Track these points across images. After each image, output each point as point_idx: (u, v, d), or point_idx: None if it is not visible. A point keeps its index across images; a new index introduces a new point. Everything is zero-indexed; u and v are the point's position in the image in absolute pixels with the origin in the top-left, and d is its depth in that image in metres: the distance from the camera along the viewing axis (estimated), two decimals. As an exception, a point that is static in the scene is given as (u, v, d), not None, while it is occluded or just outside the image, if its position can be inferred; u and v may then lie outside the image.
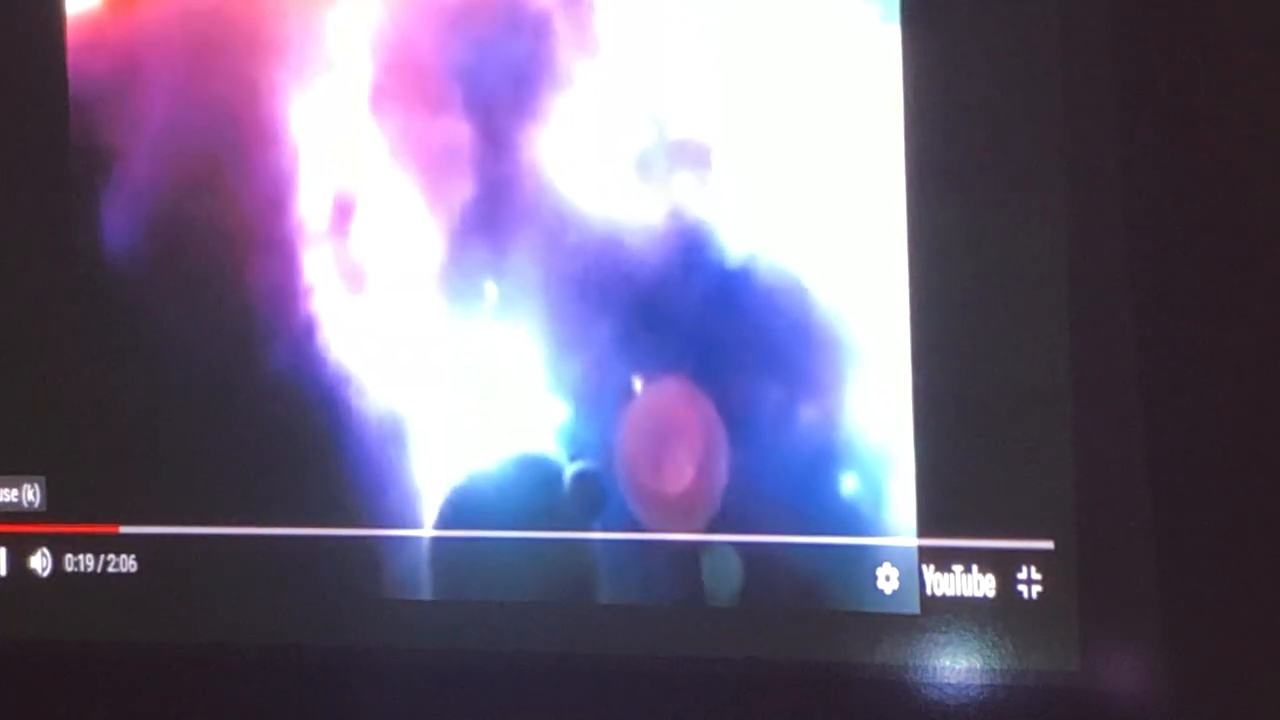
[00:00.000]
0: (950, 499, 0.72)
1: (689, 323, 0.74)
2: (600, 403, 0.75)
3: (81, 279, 0.82)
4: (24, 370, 0.83)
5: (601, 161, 0.75)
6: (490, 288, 0.76)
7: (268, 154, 0.79)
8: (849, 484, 0.73)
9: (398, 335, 0.78)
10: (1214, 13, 0.69)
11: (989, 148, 0.70)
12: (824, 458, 0.73)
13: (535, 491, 0.76)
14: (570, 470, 0.76)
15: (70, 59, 0.82)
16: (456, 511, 0.78)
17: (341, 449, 0.79)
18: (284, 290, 0.79)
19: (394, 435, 0.78)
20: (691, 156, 0.74)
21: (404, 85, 0.77)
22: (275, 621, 0.80)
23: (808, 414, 0.73)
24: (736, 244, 0.74)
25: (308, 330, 0.79)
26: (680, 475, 0.75)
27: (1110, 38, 0.69)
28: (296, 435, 0.80)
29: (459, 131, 0.76)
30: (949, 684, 0.72)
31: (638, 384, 0.75)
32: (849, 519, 0.74)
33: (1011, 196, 0.70)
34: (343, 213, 0.78)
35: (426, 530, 0.78)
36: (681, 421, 0.75)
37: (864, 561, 0.73)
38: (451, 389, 0.77)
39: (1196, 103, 0.69)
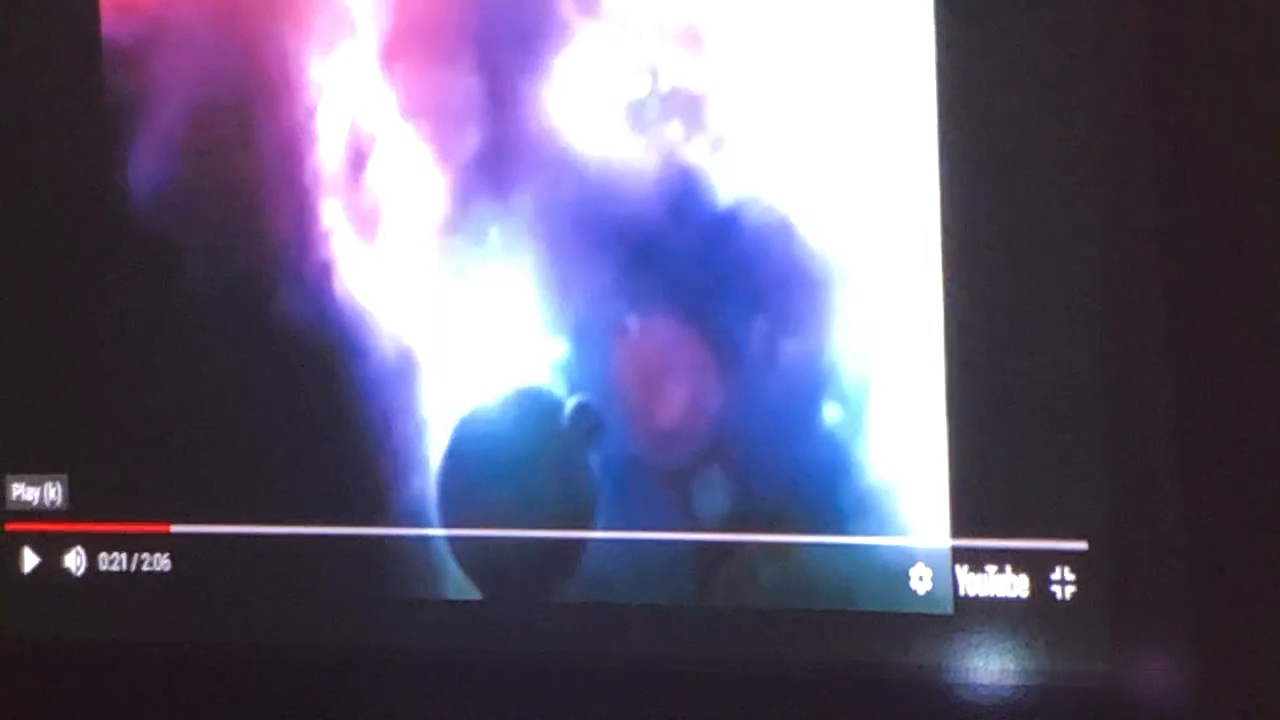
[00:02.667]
0: (984, 499, 0.72)
1: (681, 263, 0.75)
2: (597, 339, 0.76)
3: (109, 231, 0.83)
4: (44, 368, 0.84)
5: (600, 112, 0.76)
6: (494, 232, 0.78)
7: (287, 107, 0.80)
8: (831, 413, 0.74)
9: (407, 278, 0.79)
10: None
11: (1019, 148, 0.71)
12: (807, 388, 0.74)
13: (536, 423, 0.77)
14: (570, 403, 0.77)
15: (103, 16, 0.83)
16: (463, 442, 0.79)
17: (354, 385, 0.80)
18: (302, 236, 0.80)
19: (404, 371, 0.79)
20: (684, 106, 0.75)
21: (416, 42, 0.78)
22: (309, 620, 0.81)
23: (792, 347, 0.74)
24: (727, 188, 0.75)
25: (324, 273, 0.80)
26: (673, 406, 0.76)
27: (1144, 32, 0.70)
28: (312, 377, 0.81)
29: (467, 86, 0.78)
30: (981, 684, 0.72)
31: (633, 321, 0.76)
32: (829, 447, 0.74)
33: (1044, 197, 0.70)
34: (357, 162, 0.79)
35: (438, 528, 0.79)
36: (674, 356, 0.76)
37: (897, 562, 0.73)
38: (458, 328, 0.78)
39: (1232, 99, 0.69)
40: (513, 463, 0.78)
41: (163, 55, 0.82)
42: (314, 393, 0.81)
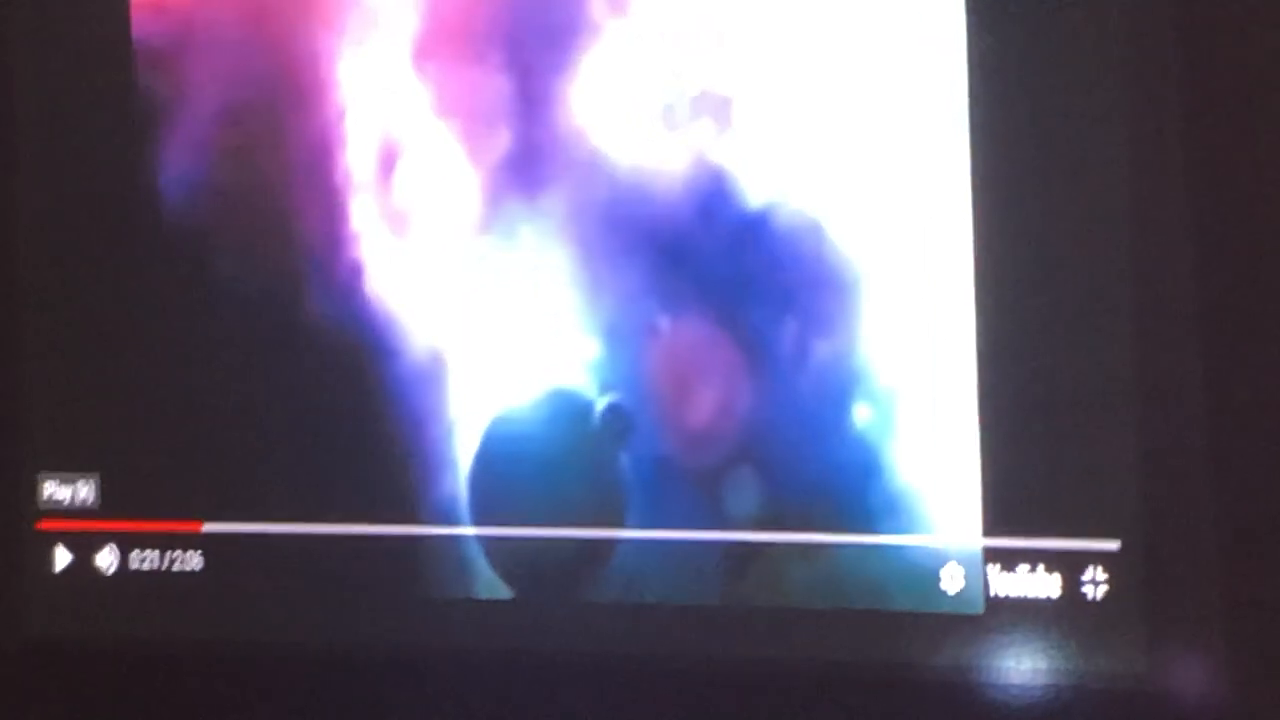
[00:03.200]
0: (1015, 499, 0.72)
1: (712, 264, 0.75)
2: (628, 339, 0.77)
3: (141, 232, 0.83)
4: (76, 367, 0.84)
5: (630, 113, 0.76)
6: (525, 232, 0.78)
7: (318, 107, 0.80)
8: (861, 414, 0.74)
9: (438, 278, 0.79)
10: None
11: (1050, 148, 0.71)
12: (838, 389, 0.74)
13: (567, 423, 0.77)
14: (600, 403, 0.77)
15: (134, 16, 0.83)
16: (494, 442, 0.79)
17: (385, 386, 0.80)
18: (333, 236, 0.80)
19: (434, 371, 0.79)
20: (714, 107, 0.75)
21: (447, 41, 0.78)
22: (340, 619, 0.81)
23: (822, 348, 0.74)
24: (757, 189, 0.75)
25: (355, 274, 0.80)
26: (704, 407, 0.76)
27: (1176, 38, 0.69)
28: (343, 377, 0.81)
29: (498, 85, 0.78)
30: (1013, 685, 0.72)
31: (664, 322, 0.76)
32: (859, 447, 0.74)
33: (1075, 196, 0.70)
34: (387, 163, 0.80)
35: (468, 527, 0.79)
36: (704, 357, 0.76)
37: (929, 562, 0.73)
38: (488, 328, 0.79)
39: (1266, 95, 0.69)
40: (543, 463, 0.78)
41: (194, 56, 0.82)
42: (345, 393, 0.81)
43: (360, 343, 0.81)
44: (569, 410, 0.78)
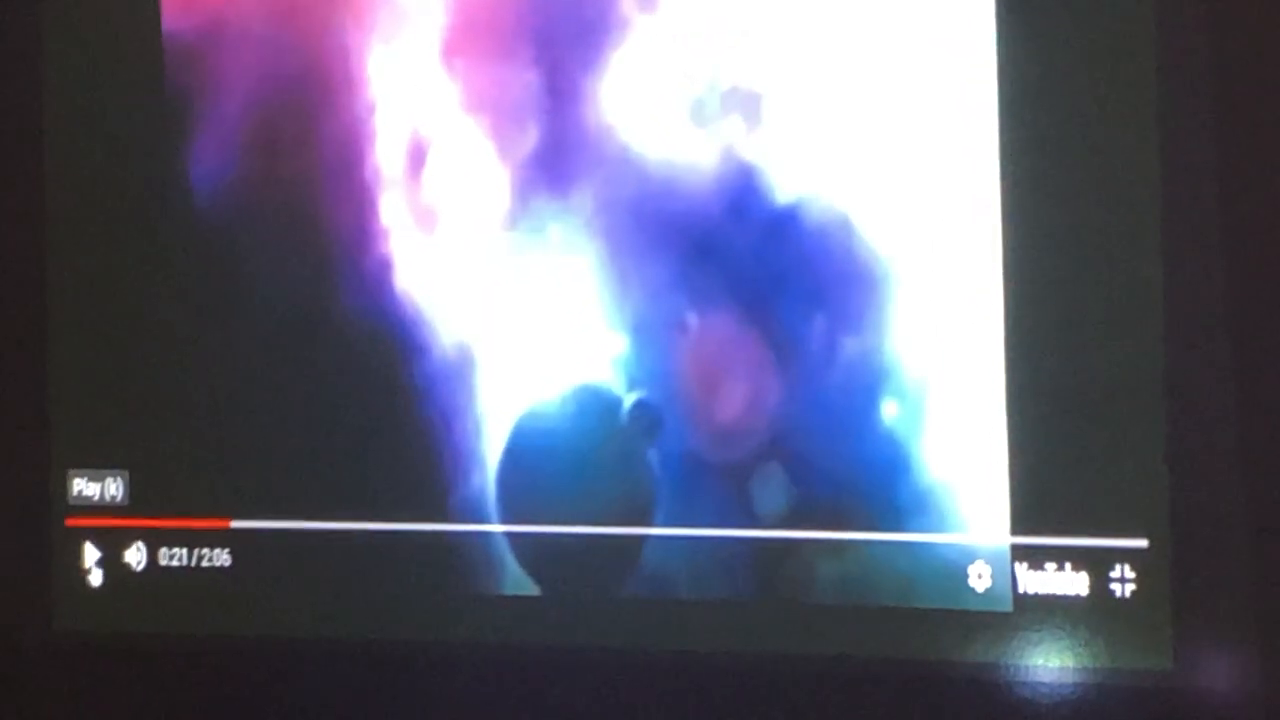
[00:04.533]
0: (1044, 497, 0.72)
1: (741, 260, 0.75)
2: (657, 336, 0.77)
3: (171, 230, 0.84)
4: (106, 363, 0.84)
5: (659, 109, 0.76)
6: (553, 228, 0.78)
7: (347, 103, 0.81)
8: (889, 410, 0.74)
9: (467, 274, 0.79)
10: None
11: (1080, 144, 0.71)
12: (866, 385, 0.74)
13: (596, 419, 0.78)
14: (629, 399, 0.77)
15: (164, 12, 0.83)
16: (522, 439, 0.79)
17: (414, 382, 0.80)
18: (362, 232, 0.81)
19: (463, 368, 0.80)
20: (743, 103, 0.75)
21: (475, 38, 0.79)
22: (369, 616, 0.81)
23: (851, 345, 0.74)
24: (786, 185, 0.75)
25: (384, 270, 0.80)
26: (732, 403, 0.76)
27: (1207, 33, 0.69)
28: (371, 373, 0.81)
29: (527, 81, 0.78)
30: (1041, 683, 0.72)
31: (692, 318, 0.76)
32: (888, 444, 0.74)
33: (1106, 193, 0.70)
34: (416, 159, 0.80)
35: (505, 524, 0.80)
36: (733, 353, 0.76)
37: (957, 559, 0.73)
38: (517, 324, 0.79)
39: None
40: (572, 459, 0.78)
41: (224, 51, 0.83)
42: (374, 389, 0.81)
43: (389, 339, 0.81)
44: (597, 406, 0.78)
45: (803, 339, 0.75)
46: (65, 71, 0.85)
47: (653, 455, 0.77)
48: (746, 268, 0.76)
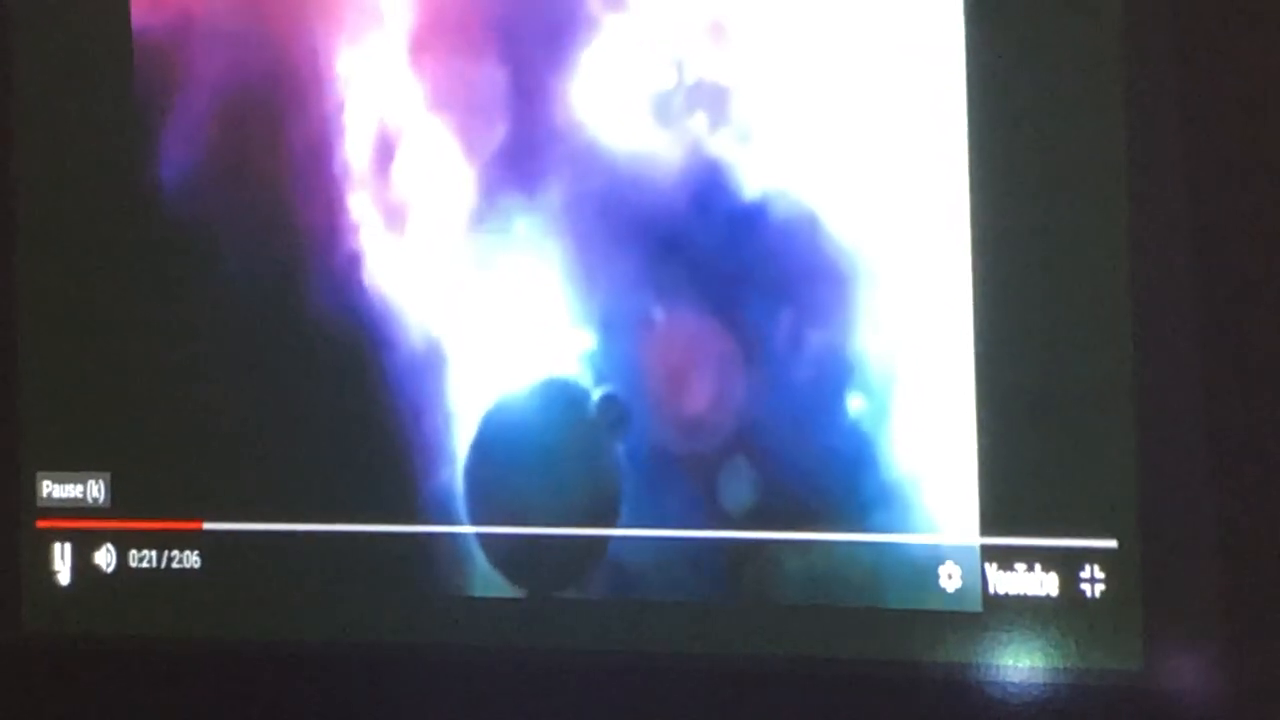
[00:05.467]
0: (1013, 497, 0.72)
1: (707, 255, 0.76)
2: (623, 331, 0.77)
3: (141, 225, 0.84)
4: (78, 364, 0.84)
5: (625, 106, 0.76)
6: (520, 225, 0.78)
7: (315, 100, 0.81)
8: (855, 404, 0.74)
9: (435, 271, 0.79)
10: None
11: (1049, 141, 0.71)
12: (832, 380, 0.74)
13: (563, 414, 0.78)
14: (596, 394, 0.78)
15: (133, 7, 0.83)
16: (490, 433, 0.79)
17: (383, 377, 0.80)
18: (331, 230, 0.81)
19: (432, 363, 0.80)
20: (709, 99, 0.75)
21: (443, 35, 0.79)
22: (340, 618, 0.81)
23: (817, 339, 0.74)
24: (753, 180, 0.75)
25: (353, 266, 0.81)
26: (698, 397, 0.76)
27: (1174, 35, 0.69)
28: (341, 367, 0.81)
29: (494, 79, 0.78)
30: (1011, 683, 0.72)
31: (658, 313, 0.77)
32: (853, 437, 0.74)
33: (1074, 192, 0.70)
34: (384, 156, 0.80)
35: (466, 524, 0.79)
36: (699, 348, 0.76)
37: (926, 559, 0.73)
38: (485, 320, 0.79)
39: (1261, 100, 0.69)
40: (540, 453, 0.79)
41: (193, 48, 0.83)
42: (343, 385, 0.81)
43: (358, 335, 0.81)
44: (565, 401, 0.78)
45: (769, 334, 0.75)
46: (34, 69, 0.85)
47: (620, 449, 0.77)
48: (713, 263, 0.76)
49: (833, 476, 0.75)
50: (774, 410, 0.75)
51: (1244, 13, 0.69)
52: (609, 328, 0.77)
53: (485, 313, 0.79)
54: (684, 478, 0.77)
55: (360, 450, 0.81)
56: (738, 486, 0.76)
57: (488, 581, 0.80)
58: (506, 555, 0.80)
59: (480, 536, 0.80)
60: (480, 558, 0.80)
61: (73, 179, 0.85)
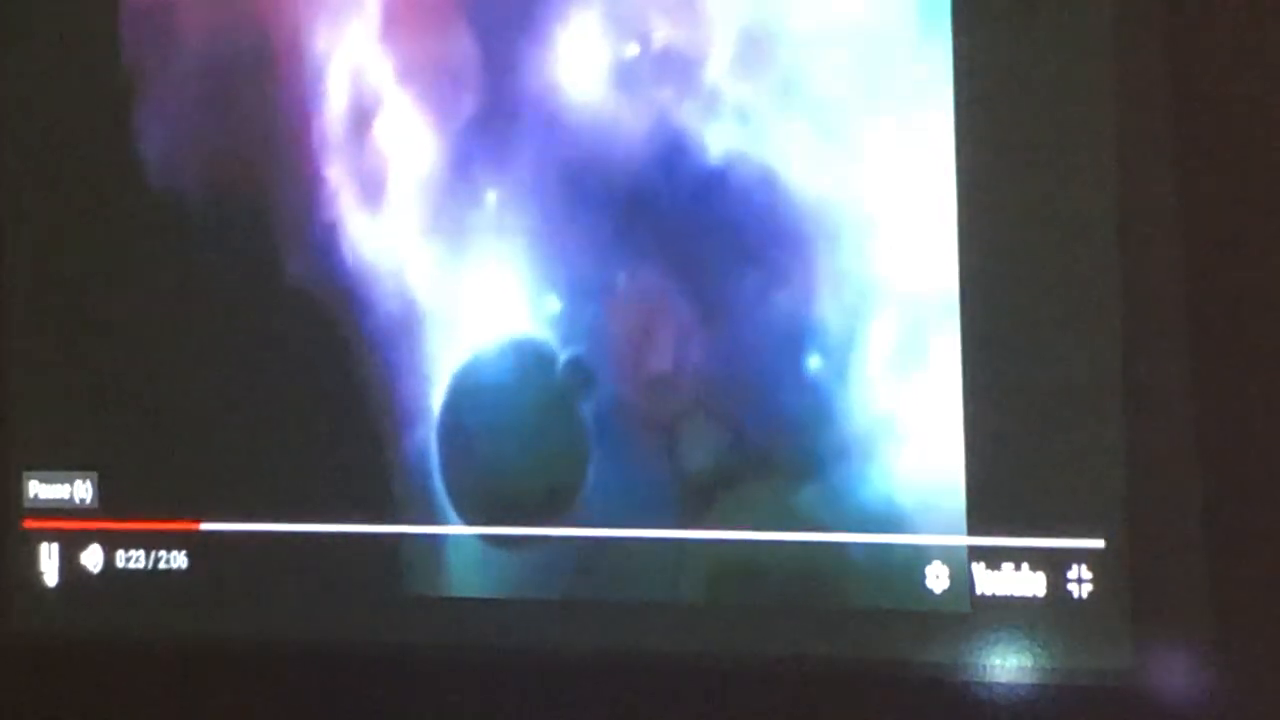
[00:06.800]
0: (1000, 497, 0.72)
1: (671, 220, 0.77)
2: (589, 295, 0.78)
3: (125, 201, 0.85)
4: (64, 363, 0.85)
5: (592, 73, 0.78)
6: (490, 193, 0.79)
7: (293, 72, 0.82)
8: (813, 363, 0.75)
9: (409, 239, 0.81)
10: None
11: (1037, 135, 0.71)
12: (791, 340, 0.75)
13: (531, 376, 0.79)
14: (563, 356, 0.79)
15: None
16: (462, 393, 0.80)
17: (359, 343, 0.81)
18: (308, 199, 0.82)
19: (406, 328, 0.81)
20: (676, 66, 0.76)
21: (412, 8, 0.80)
22: (326, 618, 0.82)
23: (777, 300, 0.75)
24: (718, 147, 0.76)
25: (330, 235, 0.82)
26: (661, 358, 0.77)
27: (1164, 34, 0.70)
28: (317, 336, 0.82)
29: (464, 51, 0.80)
30: (999, 683, 0.72)
31: (622, 277, 0.78)
32: (813, 395, 0.75)
33: (1062, 188, 0.71)
34: (359, 128, 0.81)
35: (467, 527, 0.80)
36: (662, 310, 0.77)
37: (914, 560, 0.73)
38: (456, 286, 0.80)
39: (1251, 97, 0.69)
40: (509, 413, 0.80)
41: (176, 20, 0.85)
42: (321, 356, 0.82)
43: (336, 302, 0.82)
44: (533, 363, 0.79)
45: (733, 296, 0.76)
46: (19, 42, 0.86)
47: (586, 409, 0.78)
48: (676, 228, 0.77)
49: (792, 434, 0.75)
50: (735, 371, 0.76)
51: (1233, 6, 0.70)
52: (575, 292, 0.78)
53: (456, 280, 0.80)
54: (648, 438, 0.77)
55: (340, 410, 0.82)
56: (700, 446, 0.77)
57: (459, 543, 0.80)
58: (473, 505, 0.81)
59: (450, 492, 0.81)
60: (452, 514, 0.81)
61: (58, 169, 0.86)
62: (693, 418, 0.77)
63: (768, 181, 0.75)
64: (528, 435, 0.79)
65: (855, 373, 0.74)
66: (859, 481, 0.74)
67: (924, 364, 0.73)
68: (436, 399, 0.81)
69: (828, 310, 0.74)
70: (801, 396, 0.75)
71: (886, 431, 0.74)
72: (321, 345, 0.82)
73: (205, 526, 0.83)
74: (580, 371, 0.78)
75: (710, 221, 0.76)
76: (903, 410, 0.73)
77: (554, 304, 0.79)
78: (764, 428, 0.76)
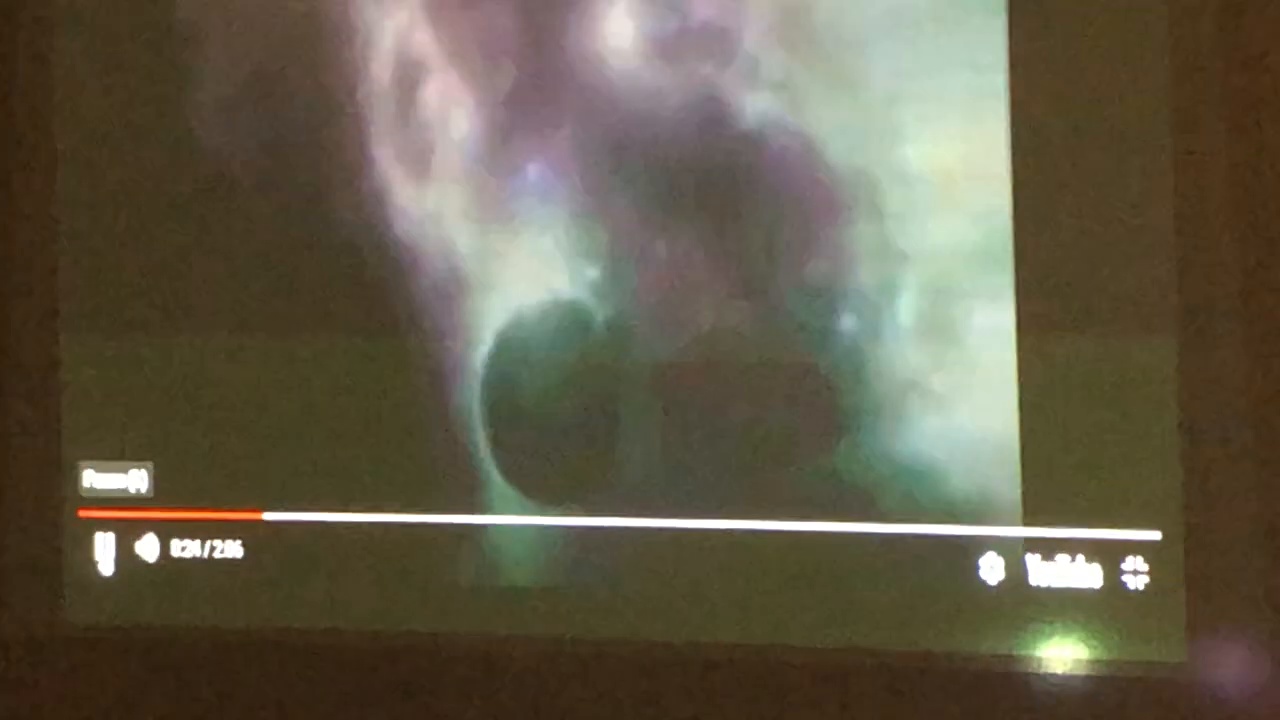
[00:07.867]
0: (1056, 489, 0.72)
1: (711, 187, 0.77)
2: (629, 262, 0.78)
3: (179, 177, 0.84)
4: (130, 354, 0.85)
5: (632, 46, 0.78)
6: (531, 161, 0.80)
7: (342, 43, 0.82)
8: (847, 322, 0.75)
9: (453, 206, 0.81)
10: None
11: (1091, 119, 0.71)
12: (826, 302, 0.75)
13: (571, 338, 0.79)
14: (600, 317, 0.79)
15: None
16: (505, 353, 0.80)
17: (406, 308, 0.82)
18: (353, 167, 0.82)
19: (452, 291, 0.81)
20: (714, 37, 0.77)
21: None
22: (382, 608, 0.82)
23: (813, 265, 0.75)
24: (754, 115, 0.76)
25: (377, 203, 0.82)
26: (698, 323, 0.78)
27: (1220, 22, 0.70)
28: (366, 297, 0.82)
29: (506, 25, 0.80)
30: (1053, 675, 0.72)
31: (660, 244, 0.78)
32: (847, 351, 0.75)
33: (1119, 175, 0.71)
34: (404, 98, 0.82)
35: (530, 515, 0.80)
36: (699, 274, 0.77)
37: (968, 551, 0.73)
38: (499, 251, 0.81)
39: None
40: (550, 372, 0.80)
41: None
42: (370, 309, 0.82)
43: (381, 266, 0.82)
44: (572, 323, 0.79)
45: (765, 263, 0.77)
46: (77, 9, 0.86)
47: (625, 370, 0.79)
48: (717, 193, 0.77)
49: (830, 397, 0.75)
50: (775, 338, 0.76)
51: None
52: (615, 258, 0.79)
53: (499, 244, 0.81)
54: (684, 400, 0.78)
55: (390, 369, 0.82)
56: (735, 408, 0.77)
57: (504, 496, 0.81)
58: (519, 468, 0.81)
59: (496, 457, 0.81)
60: (495, 475, 0.81)
61: (116, 148, 0.85)
62: (732, 385, 0.77)
63: (805, 148, 0.75)
64: (569, 394, 0.79)
65: (891, 340, 0.75)
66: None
67: (965, 341, 0.74)
68: (481, 358, 0.81)
69: (865, 277, 0.75)
70: (839, 363, 0.75)
71: (930, 404, 0.74)
72: (374, 322, 0.82)
73: (269, 516, 0.83)
74: (619, 332, 0.79)
75: (748, 188, 0.77)
76: (952, 394, 0.74)
77: (593, 270, 0.79)
78: (802, 397, 0.76)
